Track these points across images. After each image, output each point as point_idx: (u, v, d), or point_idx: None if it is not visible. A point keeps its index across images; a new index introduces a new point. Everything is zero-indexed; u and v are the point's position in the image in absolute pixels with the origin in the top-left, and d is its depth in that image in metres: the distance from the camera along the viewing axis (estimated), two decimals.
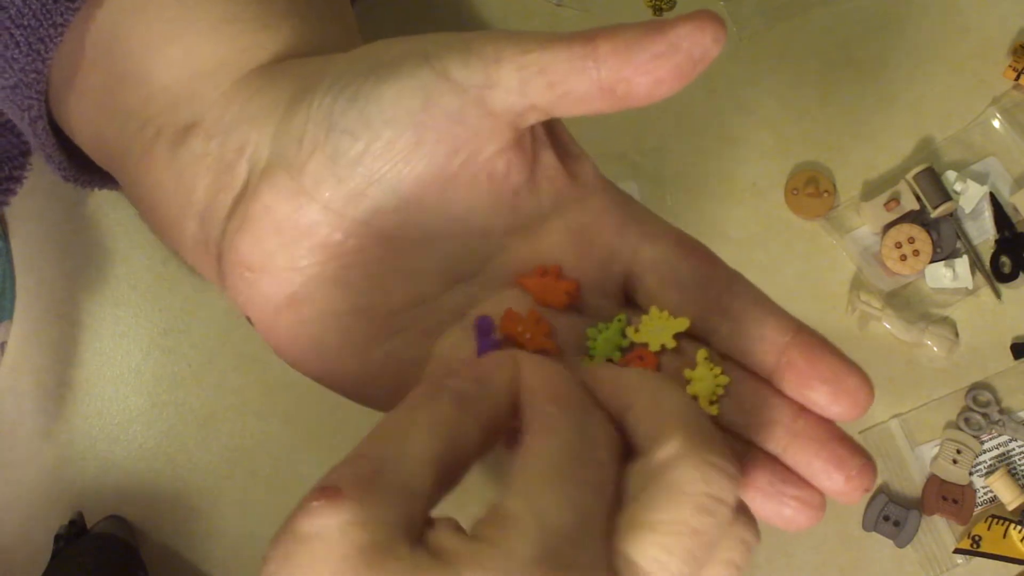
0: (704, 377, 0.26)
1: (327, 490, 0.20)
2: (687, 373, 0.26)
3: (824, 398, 0.25)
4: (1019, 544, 0.64)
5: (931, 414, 0.67)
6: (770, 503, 0.25)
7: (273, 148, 0.27)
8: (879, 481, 0.67)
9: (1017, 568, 0.64)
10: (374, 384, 0.28)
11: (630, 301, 0.28)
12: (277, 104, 0.27)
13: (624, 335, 0.27)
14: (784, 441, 0.25)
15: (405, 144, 0.25)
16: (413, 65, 0.25)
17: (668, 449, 0.21)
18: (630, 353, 0.27)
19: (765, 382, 0.26)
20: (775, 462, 0.26)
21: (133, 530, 0.70)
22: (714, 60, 0.24)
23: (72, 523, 0.68)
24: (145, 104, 0.29)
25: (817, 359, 0.25)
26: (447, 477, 0.22)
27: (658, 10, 0.70)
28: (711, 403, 0.26)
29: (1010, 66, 0.68)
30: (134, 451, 0.71)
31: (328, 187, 0.26)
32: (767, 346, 0.26)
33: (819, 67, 0.70)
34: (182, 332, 0.71)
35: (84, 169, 0.35)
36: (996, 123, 0.69)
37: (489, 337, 0.26)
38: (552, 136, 0.28)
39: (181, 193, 0.29)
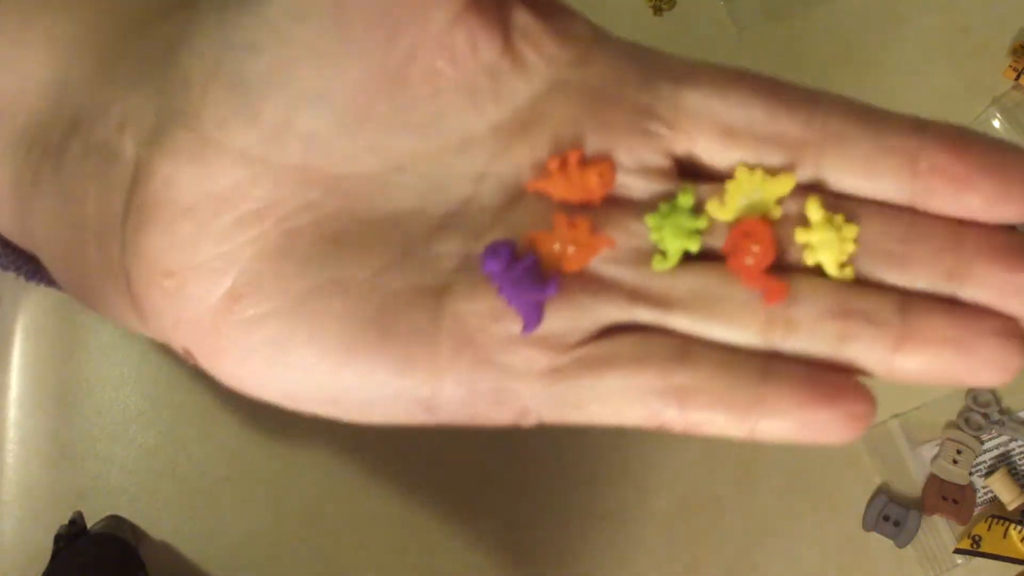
0: (826, 235, 0.19)
1: None
2: (800, 236, 0.20)
3: (990, 196, 0.19)
4: (1019, 544, 0.64)
5: (931, 414, 0.67)
6: (967, 355, 0.19)
7: (158, 104, 0.20)
8: (879, 481, 0.67)
9: (1017, 568, 0.64)
10: (372, 386, 0.20)
11: (686, 171, 0.21)
12: (154, 51, 0.21)
13: (697, 213, 0.20)
14: (958, 271, 0.19)
15: (326, 41, 0.19)
16: None
17: None
18: (733, 232, 0.20)
19: (902, 210, 0.20)
20: (951, 304, 0.19)
21: (133, 530, 0.70)
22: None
23: (72, 523, 0.68)
24: (28, 122, 0.23)
25: (966, 150, 0.19)
26: None
27: (658, 10, 0.70)
28: (842, 266, 0.20)
29: (1010, 66, 0.68)
30: (134, 451, 0.71)
31: (239, 128, 0.19)
32: (896, 158, 0.19)
33: (819, 67, 0.70)
34: None
35: (20, 254, 0.28)
36: (996, 123, 0.69)
37: (517, 265, 0.20)
38: None
39: (72, 214, 0.22)
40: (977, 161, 0.19)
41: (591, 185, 0.20)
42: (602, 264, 0.20)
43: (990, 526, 0.64)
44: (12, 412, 0.71)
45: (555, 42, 0.21)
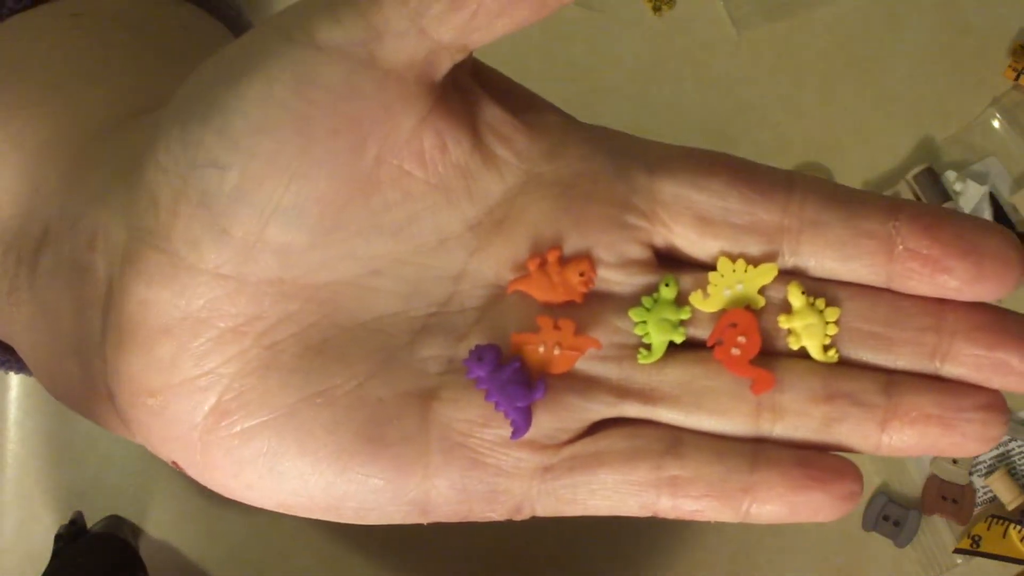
0: (809, 320, 0.20)
1: None
2: (783, 322, 0.20)
3: (965, 277, 0.19)
4: (1019, 544, 0.64)
5: None
6: (951, 430, 0.19)
7: (127, 224, 0.20)
8: (879, 481, 0.67)
9: (1017, 568, 0.64)
10: (366, 493, 0.20)
11: (666, 260, 0.21)
12: (120, 163, 0.21)
13: (680, 305, 0.20)
14: (939, 350, 0.19)
15: (292, 153, 0.19)
16: (271, 47, 0.19)
17: None
18: (719, 324, 0.20)
19: (882, 292, 0.20)
20: (934, 381, 0.20)
21: (133, 530, 0.70)
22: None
23: (72, 523, 0.68)
24: (2, 229, 0.23)
25: (941, 232, 0.19)
26: None
27: (658, 9, 0.70)
28: (826, 349, 0.20)
29: (1010, 66, 0.68)
30: (134, 450, 0.71)
31: (210, 246, 0.19)
32: (872, 242, 0.20)
33: (819, 67, 0.70)
34: None
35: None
36: (996, 123, 0.69)
37: (504, 370, 0.20)
38: (486, 84, 0.21)
39: (50, 327, 0.22)
40: (951, 243, 0.19)
41: (572, 284, 0.20)
42: (587, 362, 0.20)
43: (990, 526, 0.64)
44: (12, 412, 0.71)
45: (526, 136, 0.21)
